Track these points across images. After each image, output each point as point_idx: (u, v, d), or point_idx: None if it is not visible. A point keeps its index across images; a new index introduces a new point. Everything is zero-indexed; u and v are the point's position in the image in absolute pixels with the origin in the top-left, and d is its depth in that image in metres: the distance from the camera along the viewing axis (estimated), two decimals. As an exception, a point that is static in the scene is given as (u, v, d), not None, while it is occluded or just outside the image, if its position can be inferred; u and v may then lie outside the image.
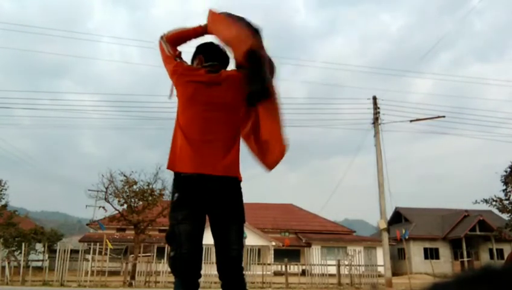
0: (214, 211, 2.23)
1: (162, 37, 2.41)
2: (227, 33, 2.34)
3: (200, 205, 2.19)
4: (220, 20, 2.40)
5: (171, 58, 2.34)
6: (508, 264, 1.54)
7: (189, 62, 2.46)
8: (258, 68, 2.28)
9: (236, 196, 2.28)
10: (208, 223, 2.28)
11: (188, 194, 2.18)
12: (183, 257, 2.10)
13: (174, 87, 2.37)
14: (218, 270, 2.21)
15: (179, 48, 2.48)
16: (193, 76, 2.31)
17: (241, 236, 2.25)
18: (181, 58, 2.40)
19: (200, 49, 2.44)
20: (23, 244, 16.21)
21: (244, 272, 2.26)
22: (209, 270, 11.74)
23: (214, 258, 2.29)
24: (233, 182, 2.28)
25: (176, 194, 2.21)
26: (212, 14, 2.44)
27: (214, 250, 2.23)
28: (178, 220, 2.15)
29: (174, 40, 2.41)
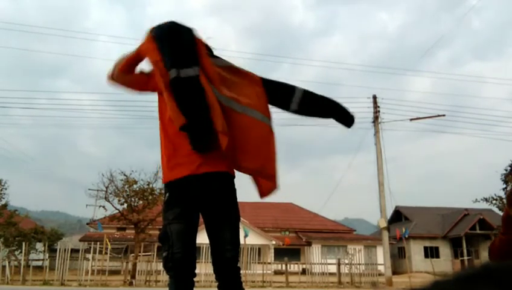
0: (206, 209, 2.18)
1: (111, 76, 2.21)
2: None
3: (192, 203, 2.15)
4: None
5: (145, 76, 2.21)
6: (494, 256, 1.55)
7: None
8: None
9: (228, 192, 2.20)
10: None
11: (178, 193, 2.15)
12: (175, 257, 2.07)
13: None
14: (214, 270, 2.18)
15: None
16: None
17: (236, 235, 2.18)
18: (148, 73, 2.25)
19: None
20: (23, 243, 16.17)
21: (241, 272, 2.21)
22: (210, 269, 11.73)
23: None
24: (225, 177, 2.20)
25: (167, 194, 2.18)
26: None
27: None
28: (169, 220, 2.12)
29: (126, 69, 2.20)
